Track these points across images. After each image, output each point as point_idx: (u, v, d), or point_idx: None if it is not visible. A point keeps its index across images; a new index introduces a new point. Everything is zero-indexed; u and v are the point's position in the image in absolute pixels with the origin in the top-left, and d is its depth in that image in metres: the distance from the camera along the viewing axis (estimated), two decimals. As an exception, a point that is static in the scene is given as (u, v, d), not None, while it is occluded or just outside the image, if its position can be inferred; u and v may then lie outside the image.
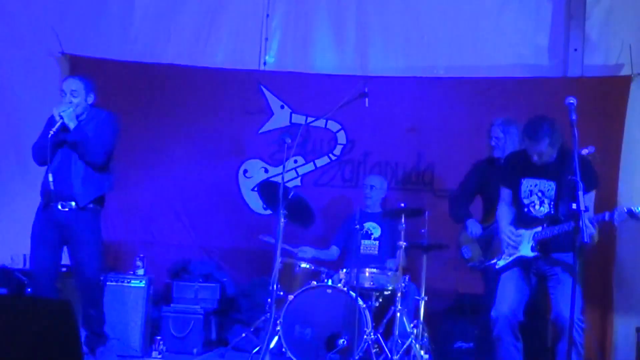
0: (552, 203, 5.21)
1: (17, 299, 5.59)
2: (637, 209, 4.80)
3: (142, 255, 7.08)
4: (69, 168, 5.85)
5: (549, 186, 5.22)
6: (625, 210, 4.83)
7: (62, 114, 5.78)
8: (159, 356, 6.57)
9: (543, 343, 6.38)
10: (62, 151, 5.92)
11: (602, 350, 6.99)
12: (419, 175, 7.93)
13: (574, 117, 4.75)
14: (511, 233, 5.39)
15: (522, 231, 5.35)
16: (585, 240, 4.43)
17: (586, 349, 5.44)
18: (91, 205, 5.94)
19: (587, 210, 4.59)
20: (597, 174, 5.24)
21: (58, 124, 5.77)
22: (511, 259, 5.37)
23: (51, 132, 5.76)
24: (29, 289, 6.80)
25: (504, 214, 5.54)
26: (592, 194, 5.10)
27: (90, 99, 6.03)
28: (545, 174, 5.22)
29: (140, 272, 6.90)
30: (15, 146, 7.96)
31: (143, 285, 6.76)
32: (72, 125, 5.80)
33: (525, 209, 5.34)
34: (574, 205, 4.57)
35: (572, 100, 4.80)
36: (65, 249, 6.08)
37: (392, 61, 8.08)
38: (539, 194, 5.29)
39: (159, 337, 6.73)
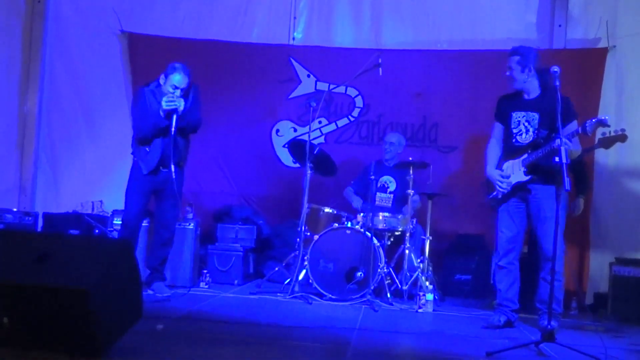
0: (535, 131, 5.26)
1: (88, 238, 5.75)
2: (603, 117, 4.85)
3: (191, 202, 7.16)
4: (177, 140, 5.87)
5: (533, 116, 5.28)
6: (594, 120, 4.84)
7: (179, 108, 5.76)
8: (206, 286, 6.66)
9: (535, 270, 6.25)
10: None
11: (580, 282, 7.04)
12: (425, 133, 7.91)
13: (557, 83, 4.76)
14: (499, 175, 5.43)
15: (509, 163, 5.39)
16: (567, 188, 4.33)
17: (566, 281, 5.55)
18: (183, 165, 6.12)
19: (569, 162, 4.48)
20: (574, 108, 5.26)
21: (174, 119, 5.74)
22: (509, 187, 5.38)
23: (173, 129, 5.72)
24: (97, 230, 7.00)
25: (492, 151, 5.58)
26: (575, 122, 5.16)
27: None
28: (530, 107, 5.30)
29: (190, 216, 6.99)
30: (83, 111, 8.15)
31: (192, 227, 6.84)
32: (181, 115, 5.83)
33: (514, 139, 5.39)
34: (557, 159, 4.47)
35: (556, 68, 4.79)
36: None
37: (402, 36, 8.00)
38: (526, 124, 5.33)
39: (205, 271, 6.82)
